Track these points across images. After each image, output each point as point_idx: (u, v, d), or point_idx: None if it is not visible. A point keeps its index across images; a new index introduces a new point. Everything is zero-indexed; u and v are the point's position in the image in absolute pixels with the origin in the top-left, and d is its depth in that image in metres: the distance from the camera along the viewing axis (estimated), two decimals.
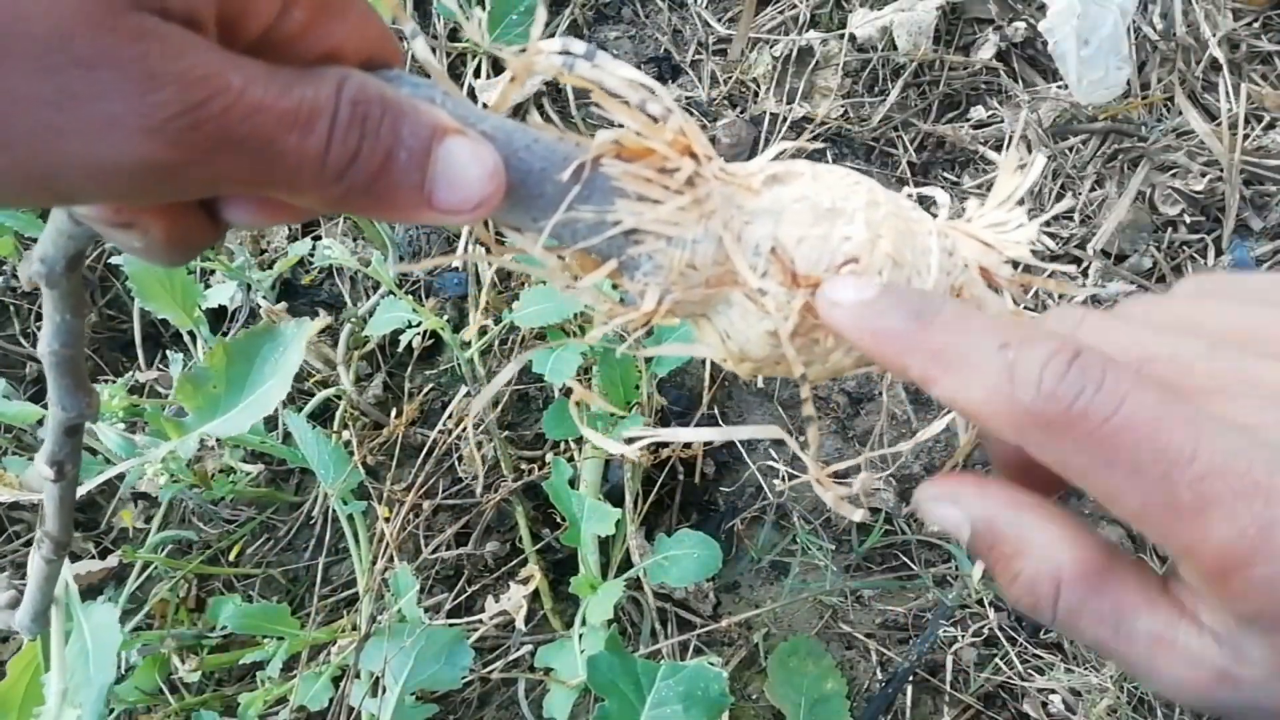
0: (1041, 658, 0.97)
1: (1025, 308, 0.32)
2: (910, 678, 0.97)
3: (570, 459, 0.99)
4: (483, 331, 1.05)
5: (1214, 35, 1.18)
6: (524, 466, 1.02)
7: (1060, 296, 1.01)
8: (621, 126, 0.26)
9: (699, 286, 0.27)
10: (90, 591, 1.04)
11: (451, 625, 0.90)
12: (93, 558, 1.03)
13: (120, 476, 1.13)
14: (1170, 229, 1.14)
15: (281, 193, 0.23)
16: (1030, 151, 1.19)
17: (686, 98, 1.27)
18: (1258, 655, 0.22)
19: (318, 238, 1.19)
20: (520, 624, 0.89)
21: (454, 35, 1.27)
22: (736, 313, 0.28)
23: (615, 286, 0.28)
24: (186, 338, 1.12)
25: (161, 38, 0.19)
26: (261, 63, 0.21)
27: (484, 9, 1.22)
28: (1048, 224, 1.14)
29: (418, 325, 0.99)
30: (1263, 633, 0.21)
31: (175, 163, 0.20)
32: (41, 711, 0.64)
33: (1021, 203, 0.33)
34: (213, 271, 1.14)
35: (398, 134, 0.23)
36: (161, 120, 0.19)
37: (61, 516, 0.44)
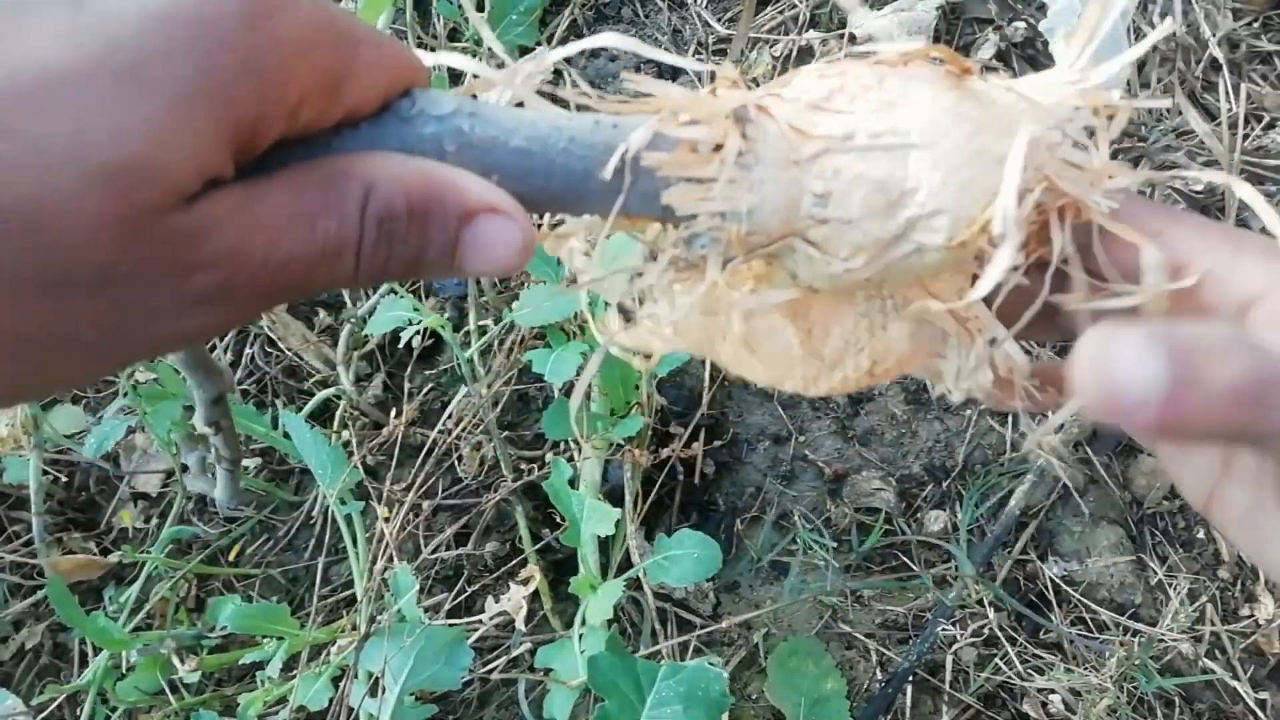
0: (1041, 658, 0.97)
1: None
2: (910, 678, 0.97)
3: (570, 459, 0.98)
4: (482, 331, 1.05)
5: (1214, 35, 1.18)
6: (524, 466, 1.02)
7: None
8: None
9: (760, 247, 0.27)
10: (89, 592, 1.05)
11: (451, 625, 0.90)
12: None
13: (120, 477, 1.13)
14: None
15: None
16: None
17: None
18: None
19: None
20: (520, 624, 0.89)
21: (454, 35, 1.27)
22: (801, 256, 0.28)
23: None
24: None
25: (187, 233, 0.21)
26: (282, 195, 0.23)
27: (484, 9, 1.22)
28: None
29: (417, 324, 0.99)
30: None
31: (222, 322, 0.23)
32: None
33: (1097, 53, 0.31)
34: None
35: (426, 237, 0.24)
36: (200, 298, 0.22)
37: (230, 446, 0.56)
